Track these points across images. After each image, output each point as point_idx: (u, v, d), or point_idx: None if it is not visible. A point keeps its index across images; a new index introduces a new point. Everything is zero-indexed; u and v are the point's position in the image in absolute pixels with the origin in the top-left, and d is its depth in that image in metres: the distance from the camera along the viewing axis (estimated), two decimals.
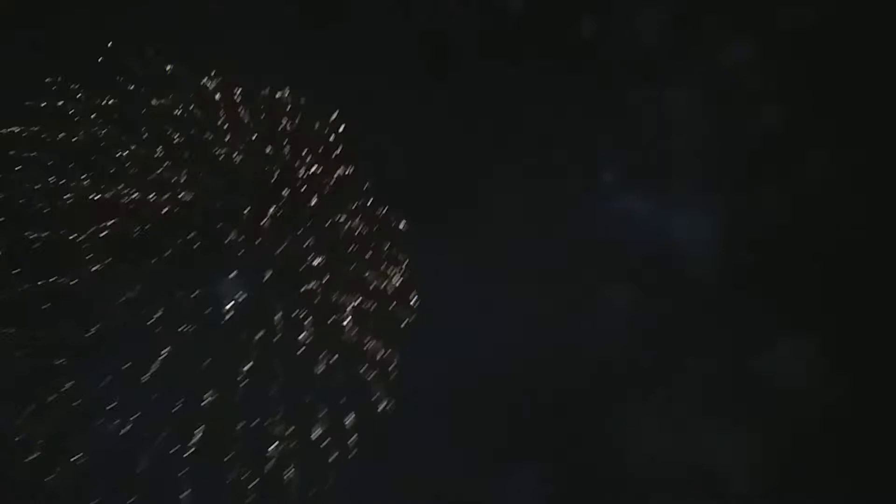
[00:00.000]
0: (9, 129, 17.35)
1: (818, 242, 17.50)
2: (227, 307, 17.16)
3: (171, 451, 16.83)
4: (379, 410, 18.02)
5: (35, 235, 16.86)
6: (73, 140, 17.36)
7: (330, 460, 17.67)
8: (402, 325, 18.45)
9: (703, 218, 18.95)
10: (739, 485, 17.37)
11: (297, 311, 17.80)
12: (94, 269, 16.86)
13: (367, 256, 18.69)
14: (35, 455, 16.39)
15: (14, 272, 16.72)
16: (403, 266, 18.84)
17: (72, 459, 16.52)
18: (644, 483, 17.33)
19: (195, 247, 17.38)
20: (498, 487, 17.60)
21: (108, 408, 16.56)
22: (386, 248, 18.77)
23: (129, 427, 16.57)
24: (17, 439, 16.46)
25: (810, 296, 17.42)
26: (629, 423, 17.97)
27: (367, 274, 18.56)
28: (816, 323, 17.38)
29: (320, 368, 17.99)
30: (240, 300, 17.25)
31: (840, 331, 17.29)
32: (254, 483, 17.36)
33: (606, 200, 19.30)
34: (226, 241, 17.65)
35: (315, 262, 18.25)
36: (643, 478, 17.41)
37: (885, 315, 17.43)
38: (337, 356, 17.97)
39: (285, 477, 17.63)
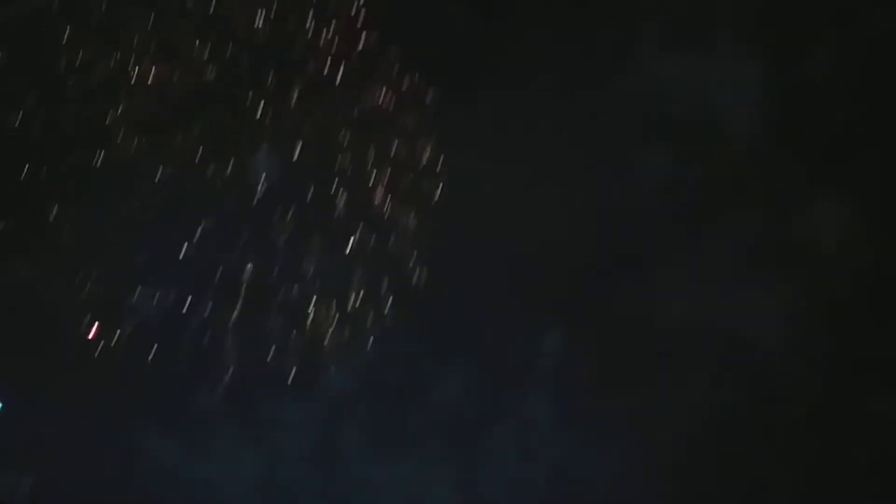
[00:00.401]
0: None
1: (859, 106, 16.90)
2: (260, 182, 17.44)
3: (213, 323, 17.71)
4: (412, 281, 18.44)
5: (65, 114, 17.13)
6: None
7: (367, 327, 18.30)
8: (433, 199, 18.54)
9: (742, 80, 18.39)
10: (769, 347, 17.55)
11: (329, 185, 17.99)
12: (124, 148, 17.15)
13: (395, 129, 18.60)
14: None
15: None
16: (432, 139, 18.74)
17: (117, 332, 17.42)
18: (672, 345, 17.63)
19: (224, 124, 17.52)
20: (528, 351, 18.11)
21: (148, 283, 17.29)
22: (415, 121, 18.64)
23: (171, 300, 17.39)
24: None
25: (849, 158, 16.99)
26: (660, 287, 18.12)
27: (396, 147, 18.52)
28: (853, 186, 17.03)
29: (354, 242, 18.34)
30: (272, 175, 17.49)
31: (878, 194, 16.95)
32: (294, 349, 18.17)
33: (642, 65, 18.76)
34: (255, 117, 17.73)
35: (345, 136, 18.27)
36: (671, 340, 17.70)
37: None
38: (369, 229, 18.27)
39: (325, 343, 18.39)
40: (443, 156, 18.24)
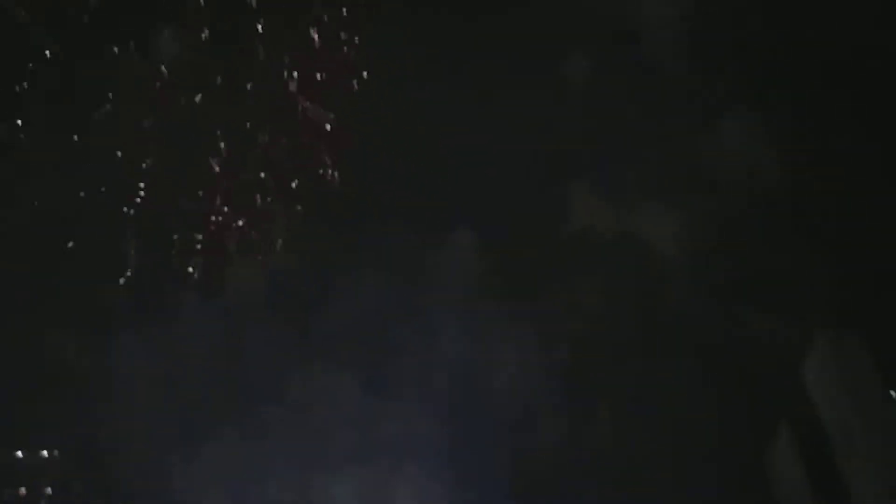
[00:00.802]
0: None
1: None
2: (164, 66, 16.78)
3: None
4: (325, 177, 18.18)
5: None
6: None
7: (276, 222, 18.01)
8: (349, 93, 18.23)
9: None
10: (665, 250, 18.01)
11: (238, 74, 17.45)
12: None
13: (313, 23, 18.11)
14: None
15: None
16: (352, 36, 18.34)
17: None
18: (580, 246, 17.96)
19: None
20: (435, 256, 18.17)
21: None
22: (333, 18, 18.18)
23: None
24: None
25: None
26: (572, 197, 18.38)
27: (313, 39, 18.05)
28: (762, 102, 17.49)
29: (265, 138, 17.91)
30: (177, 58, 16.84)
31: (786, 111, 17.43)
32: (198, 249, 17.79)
33: None
34: None
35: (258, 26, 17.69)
36: (575, 247, 18.04)
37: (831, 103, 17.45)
38: (281, 124, 17.86)
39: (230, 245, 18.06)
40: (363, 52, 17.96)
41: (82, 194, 17.35)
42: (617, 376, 17.18)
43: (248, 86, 17.66)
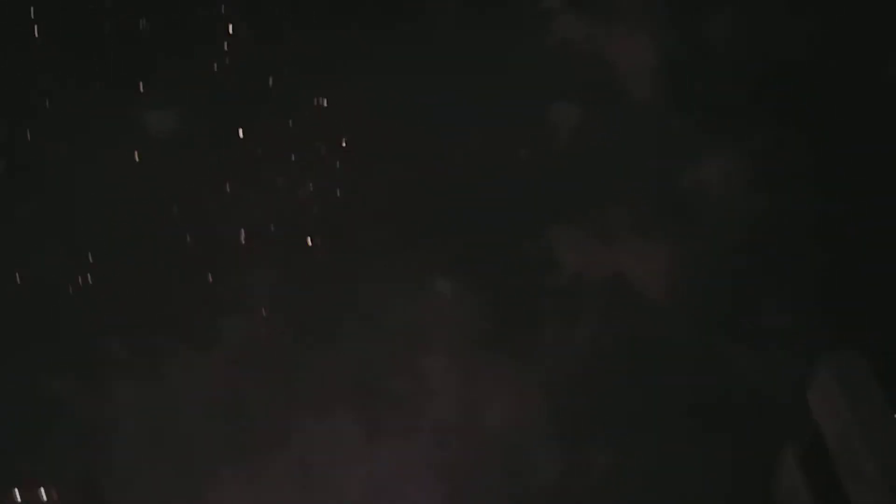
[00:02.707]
0: None
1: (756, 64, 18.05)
2: None
3: None
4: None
5: None
6: None
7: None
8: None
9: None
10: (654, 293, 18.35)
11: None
12: None
13: None
14: None
15: None
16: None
17: None
18: (572, 288, 18.26)
19: None
20: (425, 304, 18.39)
21: None
22: None
23: None
24: None
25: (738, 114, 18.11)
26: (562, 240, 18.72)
27: None
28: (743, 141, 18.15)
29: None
30: None
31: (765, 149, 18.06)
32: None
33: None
34: None
35: None
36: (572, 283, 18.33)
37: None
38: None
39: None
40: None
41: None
42: (611, 415, 17.33)
43: None
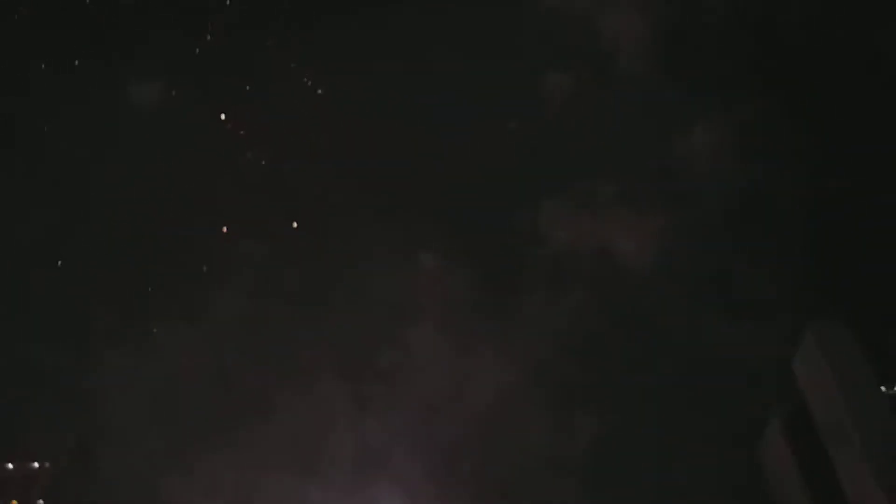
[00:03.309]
0: None
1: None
2: None
3: None
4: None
5: None
6: None
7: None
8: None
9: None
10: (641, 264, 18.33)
11: None
12: None
13: None
14: None
15: None
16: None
17: None
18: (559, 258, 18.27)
19: None
20: (413, 275, 18.35)
21: None
22: None
23: None
24: None
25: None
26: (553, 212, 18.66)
27: None
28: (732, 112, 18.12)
29: None
30: None
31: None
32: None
33: None
34: None
35: None
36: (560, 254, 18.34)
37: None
38: None
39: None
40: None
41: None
42: (598, 384, 17.38)
43: None
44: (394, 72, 18.88)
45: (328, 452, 16.67)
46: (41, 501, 15.77)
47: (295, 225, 18.75)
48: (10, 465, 15.80)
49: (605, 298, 18.08)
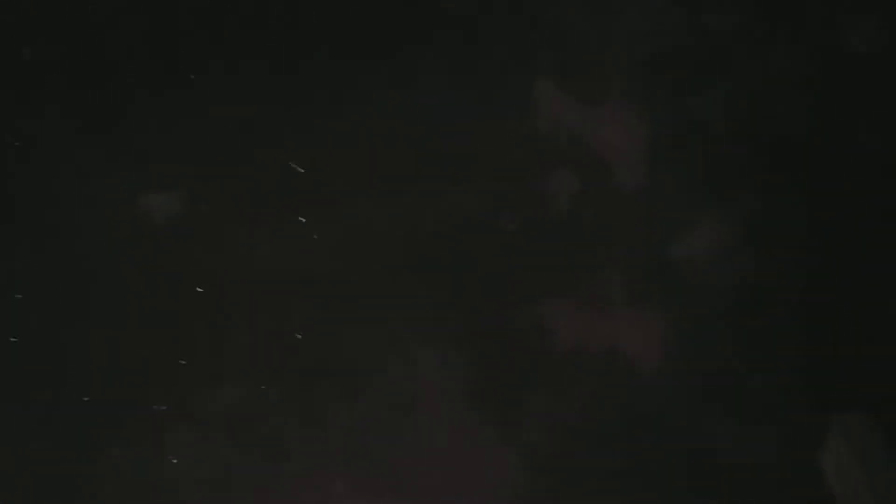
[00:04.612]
0: None
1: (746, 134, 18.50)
2: None
3: None
4: None
5: None
6: None
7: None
8: None
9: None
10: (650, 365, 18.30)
11: None
12: None
13: None
14: None
15: None
16: None
17: None
18: (567, 361, 18.15)
19: None
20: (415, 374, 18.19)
21: None
22: None
23: None
24: None
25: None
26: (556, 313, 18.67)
27: None
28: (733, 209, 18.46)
29: None
30: None
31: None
32: None
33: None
34: None
35: None
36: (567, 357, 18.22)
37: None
38: None
39: None
40: None
41: None
42: (597, 489, 17.08)
43: None
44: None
45: None
46: None
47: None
48: None
49: (609, 400, 17.99)
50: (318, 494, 17.14)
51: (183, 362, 17.07)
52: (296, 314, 18.09)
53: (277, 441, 17.80)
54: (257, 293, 17.98)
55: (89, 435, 16.80)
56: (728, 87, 18.70)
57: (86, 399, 16.85)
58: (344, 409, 17.89)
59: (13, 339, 16.34)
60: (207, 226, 17.83)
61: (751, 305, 17.23)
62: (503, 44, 19.40)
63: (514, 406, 18.02)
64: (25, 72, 18.29)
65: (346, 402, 17.92)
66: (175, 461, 17.07)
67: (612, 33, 19.29)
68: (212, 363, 17.77)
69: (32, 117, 18.02)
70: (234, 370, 17.95)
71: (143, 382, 16.95)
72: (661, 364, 17.98)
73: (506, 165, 19.08)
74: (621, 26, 19.33)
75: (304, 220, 17.66)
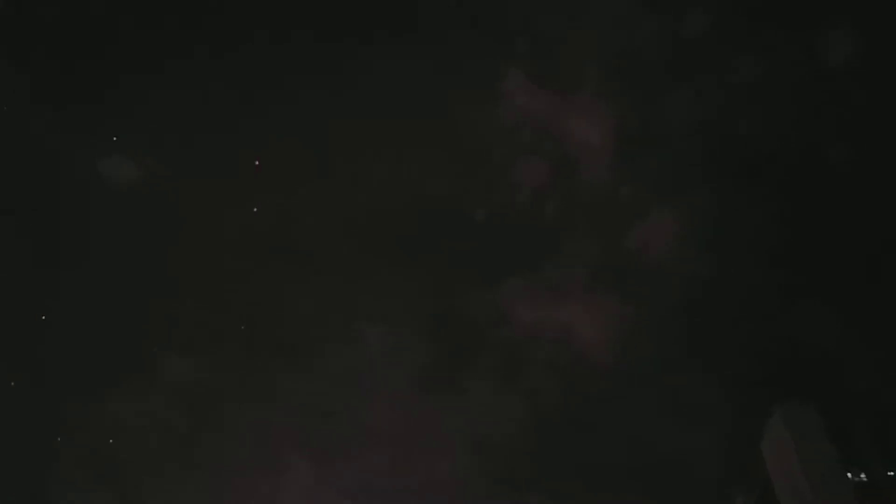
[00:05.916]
0: None
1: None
2: None
3: None
4: None
5: None
6: None
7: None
8: None
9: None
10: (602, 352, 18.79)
11: None
12: None
13: None
14: None
15: None
16: None
17: None
18: (524, 344, 18.53)
19: None
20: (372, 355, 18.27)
21: None
22: None
23: None
24: None
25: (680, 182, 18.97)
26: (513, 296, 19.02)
27: None
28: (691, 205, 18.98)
29: None
30: None
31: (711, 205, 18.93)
32: None
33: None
34: None
35: None
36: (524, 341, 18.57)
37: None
38: None
39: None
40: None
41: None
42: (545, 474, 17.46)
43: None
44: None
45: None
46: None
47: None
48: None
49: (557, 386, 18.45)
50: (267, 466, 17.40)
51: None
52: (252, 286, 18.12)
53: (226, 414, 17.94)
54: (212, 265, 17.92)
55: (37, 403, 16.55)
56: (693, 89, 19.14)
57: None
58: (293, 382, 18.04)
59: None
60: (166, 194, 17.60)
61: (702, 297, 17.80)
62: (474, 36, 19.65)
63: (462, 392, 18.35)
64: None
65: (297, 374, 18.04)
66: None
67: (584, 34, 19.62)
68: (161, 333, 17.76)
69: None
70: (182, 341, 17.99)
71: (94, 350, 16.71)
72: (613, 351, 18.47)
73: (474, 155, 19.46)
74: (593, 25, 19.67)
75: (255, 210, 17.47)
